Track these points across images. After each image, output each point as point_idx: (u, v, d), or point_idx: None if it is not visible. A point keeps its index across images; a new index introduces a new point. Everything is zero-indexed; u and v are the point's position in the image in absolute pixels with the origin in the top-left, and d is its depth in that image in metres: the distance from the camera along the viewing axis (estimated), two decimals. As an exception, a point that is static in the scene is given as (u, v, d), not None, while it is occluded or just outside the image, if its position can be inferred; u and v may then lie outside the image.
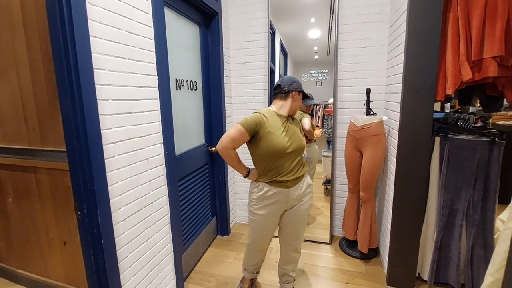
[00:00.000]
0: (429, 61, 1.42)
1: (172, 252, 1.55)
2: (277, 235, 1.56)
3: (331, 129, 2.25)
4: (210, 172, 2.24)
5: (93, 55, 0.99)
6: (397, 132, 1.59)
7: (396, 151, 1.62)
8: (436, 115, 1.62)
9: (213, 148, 2.16)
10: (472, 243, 1.56)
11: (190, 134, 1.94)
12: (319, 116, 2.46)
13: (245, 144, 1.35)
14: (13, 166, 1.56)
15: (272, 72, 2.35)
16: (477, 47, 1.32)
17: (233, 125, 1.29)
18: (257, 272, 1.73)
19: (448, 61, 1.42)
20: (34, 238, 1.63)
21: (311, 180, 1.51)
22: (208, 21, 2.07)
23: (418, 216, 1.64)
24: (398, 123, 1.59)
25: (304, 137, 1.51)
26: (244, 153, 1.42)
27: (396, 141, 1.63)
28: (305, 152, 1.47)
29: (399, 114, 1.58)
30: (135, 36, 1.21)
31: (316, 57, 2.32)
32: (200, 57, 2.06)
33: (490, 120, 1.53)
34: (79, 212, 1.03)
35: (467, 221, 1.57)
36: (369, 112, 1.88)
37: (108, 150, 1.07)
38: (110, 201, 1.09)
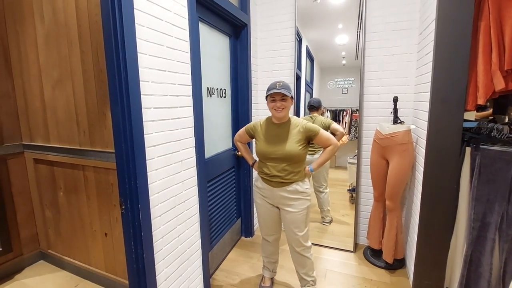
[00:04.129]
0: (458, 70, 1.40)
1: (200, 249, 1.66)
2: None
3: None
4: (236, 175, 2.34)
5: (140, 69, 1.13)
6: (425, 142, 1.57)
7: (423, 160, 1.60)
8: (468, 125, 1.58)
9: (239, 153, 2.25)
10: (505, 259, 1.49)
11: (218, 139, 2.06)
12: (345, 122, 2.47)
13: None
14: (65, 164, 1.77)
15: (298, 78, 2.41)
16: (510, 55, 1.29)
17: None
18: (274, 271, 1.83)
19: (479, 70, 1.39)
20: (80, 229, 1.83)
21: (304, 187, 1.50)
22: (237, 32, 2.19)
23: (447, 228, 1.59)
24: (426, 132, 1.57)
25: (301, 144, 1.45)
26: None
27: (423, 150, 1.61)
28: (313, 165, 1.53)
29: (427, 123, 1.56)
30: (174, 50, 1.35)
31: (343, 62, 2.34)
32: (230, 66, 2.19)
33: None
34: (123, 206, 1.16)
35: (500, 235, 1.50)
36: (396, 120, 1.87)
37: (149, 152, 1.21)
38: (150, 197, 1.22)
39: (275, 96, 1.41)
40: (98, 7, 1.41)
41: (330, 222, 2.55)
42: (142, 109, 1.16)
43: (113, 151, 1.17)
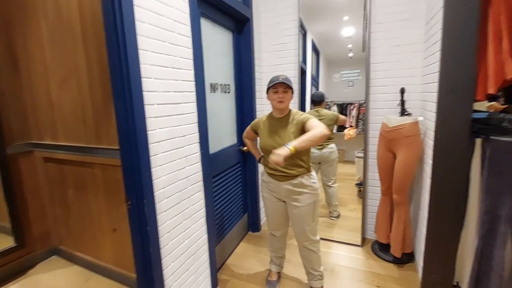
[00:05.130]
0: (467, 59, 1.36)
1: (207, 243, 1.67)
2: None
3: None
4: (242, 171, 2.34)
5: (141, 66, 1.13)
6: (433, 133, 1.54)
7: (432, 153, 1.56)
8: (478, 116, 1.53)
9: (245, 148, 2.25)
10: (518, 253, 1.45)
11: (223, 134, 2.06)
12: (352, 116, 2.43)
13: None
14: (74, 162, 1.81)
15: (303, 72, 2.38)
16: (523, 42, 1.24)
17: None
18: (281, 266, 1.84)
19: (489, 58, 1.34)
20: (89, 225, 1.87)
21: (310, 181, 1.49)
22: (240, 27, 2.17)
23: (456, 221, 1.56)
24: (434, 123, 1.53)
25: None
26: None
27: (432, 143, 1.57)
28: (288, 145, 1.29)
29: (435, 114, 1.52)
30: (176, 46, 1.34)
31: (350, 54, 2.29)
32: (233, 62, 2.17)
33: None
34: (129, 202, 1.18)
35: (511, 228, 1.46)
36: (403, 112, 1.83)
37: (153, 148, 1.21)
38: (155, 193, 1.23)
39: (277, 87, 1.42)
40: (100, 7, 1.42)
41: (338, 216, 2.53)
42: (145, 105, 1.16)
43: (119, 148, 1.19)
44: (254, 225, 2.49)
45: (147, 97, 1.18)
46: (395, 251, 1.91)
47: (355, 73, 2.20)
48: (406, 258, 1.96)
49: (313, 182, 1.52)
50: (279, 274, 1.85)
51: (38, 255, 2.06)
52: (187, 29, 1.42)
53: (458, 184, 1.52)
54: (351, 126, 2.38)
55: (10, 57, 1.85)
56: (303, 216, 1.52)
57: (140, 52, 1.13)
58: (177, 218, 1.39)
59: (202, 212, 1.62)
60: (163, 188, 1.29)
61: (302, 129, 1.41)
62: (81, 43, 1.57)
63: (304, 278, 1.77)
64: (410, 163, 1.74)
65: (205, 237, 1.65)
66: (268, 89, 1.46)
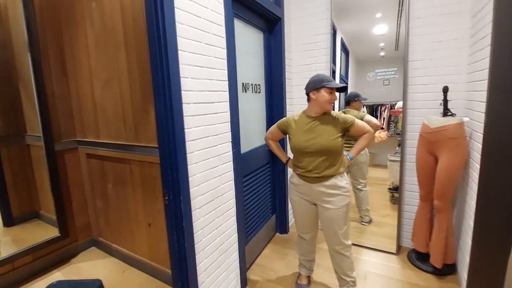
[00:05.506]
0: (525, 53, 1.24)
1: (237, 242, 1.68)
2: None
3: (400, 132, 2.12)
4: (271, 171, 2.33)
5: (180, 66, 1.17)
6: (482, 135, 1.42)
7: (479, 156, 1.44)
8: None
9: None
10: None
11: (254, 134, 2.07)
12: (384, 118, 2.33)
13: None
14: (114, 158, 1.92)
15: (333, 72, 2.33)
16: None
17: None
18: (311, 269, 1.79)
19: (552, 51, 1.21)
20: (126, 219, 1.97)
21: (344, 182, 1.46)
22: (271, 27, 2.17)
23: (507, 231, 1.42)
24: (483, 125, 1.41)
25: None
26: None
27: (480, 146, 1.45)
28: (351, 153, 1.52)
29: (484, 115, 1.40)
30: (211, 47, 1.38)
31: (382, 53, 2.20)
32: (264, 62, 2.18)
33: None
34: (166, 198, 1.22)
35: None
36: (446, 112, 1.72)
37: (189, 146, 1.25)
38: (190, 190, 1.26)
39: (333, 89, 1.41)
40: (141, 11, 1.50)
41: (370, 222, 2.43)
42: (183, 104, 1.20)
43: (156, 146, 1.24)
44: (282, 226, 2.47)
45: (185, 96, 1.21)
46: (436, 261, 1.79)
47: (392, 71, 2.10)
48: (447, 270, 1.83)
49: (346, 183, 1.47)
50: (309, 278, 1.81)
51: (79, 245, 2.20)
52: (221, 30, 1.45)
53: (508, 191, 1.38)
54: (382, 128, 2.29)
55: (59, 61, 2.02)
56: (335, 219, 1.47)
57: (179, 53, 1.17)
58: (210, 215, 1.42)
59: (233, 211, 1.63)
60: (197, 185, 1.32)
61: (345, 130, 1.45)
62: (123, 48, 1.67)
63: (335, 283, 1.71)
64: (455, 167, 1.62)
65: (235, 236, 1.67)
66: (319, 87, 1.39)
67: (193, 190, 1.29)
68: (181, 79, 1.19)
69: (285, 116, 2.27)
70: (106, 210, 2.12)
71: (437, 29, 1.82)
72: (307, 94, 1.47)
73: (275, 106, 2.26)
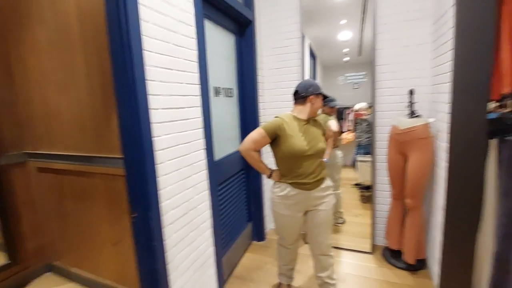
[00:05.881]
0: (481, 58, 1.32)
1: (214, 256, 1.58)
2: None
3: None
4: (246, 178, 2.27)
5: (146, 67, 1.07)
6: (447, 135, 1.49)
7: (446, 154, 1.51)
8: (492, 116, 1.49)
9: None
10: (542, 257, 1.39)
11: (227, 140, 1.99)
12: (350, 120, 2.40)
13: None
14: (71, 172, 1.71)
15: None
16: (540, 39, 1.20)
17: (256, 129, 1.41)
18: (292, 277, 1.73)
19: (504, 57, 1.31)
20: (88, 239, 1.77)
21: (330, 182, 1.52)
22: (242, 29, 2.12)
23: (473, 225, 1.50)
24: (447, 124, 1.49)
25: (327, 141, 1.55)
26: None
27: (445, 145, 1.52)
28: (325, 156, 1.51)
29: (448, 115, 1.48)
30: (180, 48, 1.28)
31: (346, 59, 2.27)
32: (236, 65, 2.12)
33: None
34: (134, 215, 1.09)
35: (534, 232, 1.41)
36: (413, 114, 1.79)
37: (158, 156, 1.14)
38: (161, 204, 1.14)
39: (320, 95, 1.45)
40: (101, 7, 1.36)
41: (343, 223, 2.46)
42: (150, 110, 1.09)
43: (121, 156, 1.11)
44: (258, 234, 2.40)
45: (153, 101, 1.10)
46: (409, 257, 1.84)
47: (361, 75, 2.16)
48: (419, 265, 1.89)
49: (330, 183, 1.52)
50: (289, 286, 1.76)
51: (32, 272, 1.93)
52: (191, 30, 1.37)
53: (474, 187, 1.47)
54: (349, 130, 2.35)
55: (4, 64, 1.77)
56: (326, 221, 1.48)
57: (145, 53, 1.06)
58: (184, 230, 1.31)
59: (209, 222, 1.53)
60: (169, 198, 1.21)
61: (324, 132, 1.53)
62: (80, 48, 1.50)
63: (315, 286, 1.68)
64: (424, 166, 1.69)
65: (212, 249, 1.57)
66: (318, 93, 1.43)
67: (165, 204, 1.17)
68: (148, 82, 1.08)
69: (259, 121, 2.23)
70: (64, 230, 1.88)
71: (402, 34, 1.90)
72: (304, 97, 1.42)
73: (248, 111, 2.21)
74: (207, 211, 1.52)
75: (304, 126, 1.42)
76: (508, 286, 1.50)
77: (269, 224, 2.55)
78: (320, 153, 1.42)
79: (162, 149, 1.17)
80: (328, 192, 1.48)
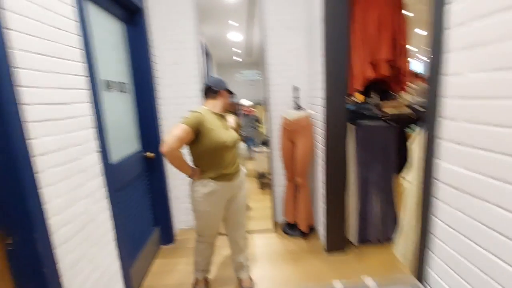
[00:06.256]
0: (341, 63, 1.74)
1: (120, 270, 1.41)
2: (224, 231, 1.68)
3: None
4: (149, 180, 2.10)
5: (11, 50, 0.83)
6: (322, 123, 1.87)
7: (322, 139, 1.90)
8: (349, 106, 1.97)
9: (151, 154, 2.03)
10: (383, 207, 1.99)
11: (123, 140, 1.78)
12: (240, 115, 2.65)
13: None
14: None
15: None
16: (374, 51, 1.70)
17: (176, 126, 1.33)
18: (209, 270, 1.75)
19: (354, 62, 1.77)
20: None
21: (244, 169, 1.69)
22: (132, 17, 1.92)
23: (343, 191, 1.96)
24: (322, 115, 1.87)
25: None
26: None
27: (321, 131, 1.91)
28: None
29: (322, 107, 1.86)
30: (58, 30, 1.05)
31: (239, 59, 2.46)
32: (128, 57, 1.91)
33: (385, 109, 1.98)
34: (8, 242, 0.84)
35: (378, 189, 1.99)
36: (298, 107, 2.13)
37: (39, 162, 0.91)
38: (48, 221, 0.93)
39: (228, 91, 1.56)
40: None
41: (248, 209, 2.68)
42: (20, 105, 0.86)
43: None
44: (167, 237, 2.28)
45: (25, 94, 0.87)
46: (303, 226, 2.22)
47: (256, 73, 2.37)
48: (310, 231, 2.31)
49: None
50: (206, 279, 1.77)
51: None
52: (69, 10, 1.14)
53: (342, 161, 1.91)
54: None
55: None
56: (244, 204, 1.63)
57: (6, 32, 0.82)
58: (82, 248, 1.10)
59: (111, 235, 1.35)
60: (59, 213, 0.99)
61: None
62: None
63: (230, 274, 1.78)
64: (308, 150, 2.06)
65: (117, 264, 1.39)
66: (223, 89, 1.51)
67: (53, 221, 0.96)
68: (17, 70, 0.84)
69: (158, 119, 2.10)
70: None
71: (285, 40, 2.22)
72: (217, 91, 1.49)
73: (145, 108, 2.03)
74: (108, 222, 1.33)
75: (220, 119, 1.49)
76: (367, 231, 2.05)
77: (178, 224, 2.47)
78: (236, 143, 1.51)
79: (43, 154, 0.94)
80: (244, 177, 1.61)
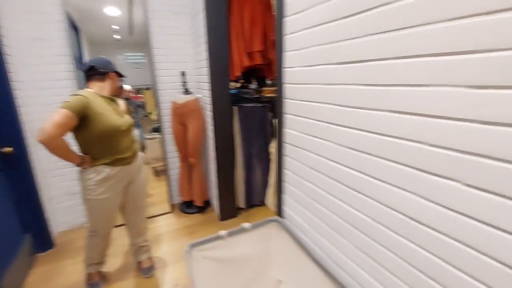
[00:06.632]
0: (222, 51, 1.96)
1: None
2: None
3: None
4: (8, 180, 1.75)
5: None
6: (209, 106, 2.07)
7: (211, 120, 2.11)
8: (233, 91, 2.25)
9: (7, 149, 1.69)
10: (262, 173, 2.42)
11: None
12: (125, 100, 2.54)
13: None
14: None
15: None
16: (249, 43, 2.01)
17: (55, 111, 1.19)
18: (103, 262, 1.67)
19: (234, 52, 2.03)
20: None
21: (141, 152, 1.73)
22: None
23: (232, 165, 2.26)
24: (209, 98, 2.07)
25: None
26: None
27: (210, 113, 2.12)
28: None
29: (208, 91, 2.05)
30: None
31: (117, 37, 2.24)
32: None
33: (263, 93, 2.38)
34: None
35: (258, 159, 2.40)
36: (186, 91, 2.25)
37: None
38: None
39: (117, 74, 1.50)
40: None
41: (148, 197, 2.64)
42: None
43: None
44: (44, 243, 1.96)
45: None
46: (198, 202, 2.41)
47: (140, 56, 2.29)
48: (206, 205, 2.54)
49: None
50: (100, 272, 1.69)
51: None
52: None
53: (229, 139, 2.19)
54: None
55: None
56: (145, 187, 1.64)
57: None
58: None
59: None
60: None
61: None
62: None
63: (128, 262, 1.79)
64: (199, 131, 2.23)
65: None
66: (111, 71, 1.44)
67: None
68: None
69: (14, 107, 1.75)
70: None
71: (170, 24, 2.23)
72: (104, 73, 1.41)
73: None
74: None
75: (110, 102, 1.42)
76: (253, 196, 2.44)
77: (57, 227, 2.18)
78: (131, 127, 1.48)
79: None
80: (142, 161, 1.62)
